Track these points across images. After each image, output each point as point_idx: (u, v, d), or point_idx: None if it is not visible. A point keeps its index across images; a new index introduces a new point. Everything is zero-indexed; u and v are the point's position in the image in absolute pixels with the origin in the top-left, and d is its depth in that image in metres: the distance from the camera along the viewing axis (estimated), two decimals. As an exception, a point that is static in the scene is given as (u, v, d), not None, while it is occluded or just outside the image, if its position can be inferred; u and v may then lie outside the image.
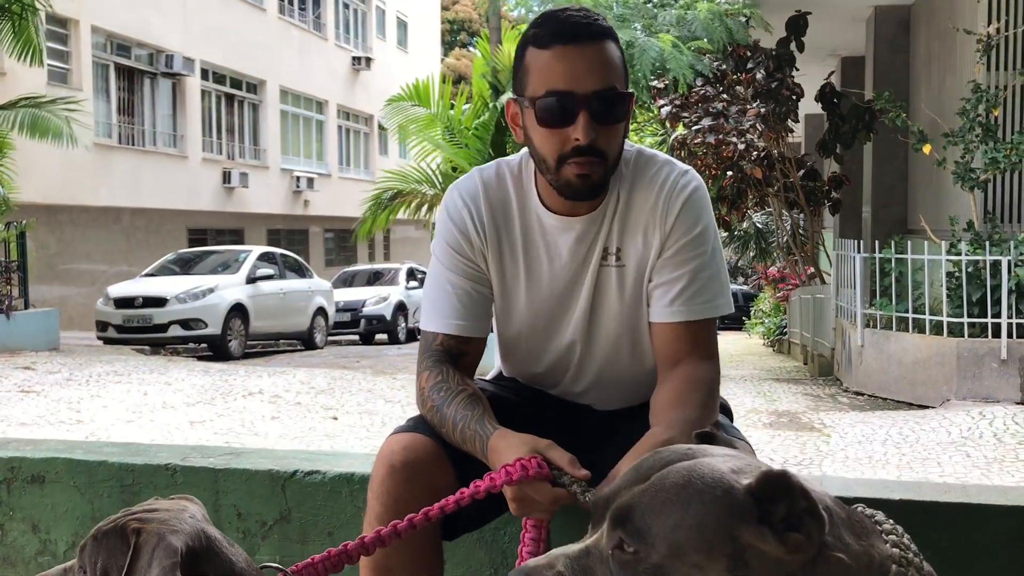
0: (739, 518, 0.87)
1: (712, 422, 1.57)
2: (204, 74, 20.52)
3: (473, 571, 2.02)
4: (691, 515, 0.87)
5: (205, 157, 20.45)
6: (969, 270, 6.99)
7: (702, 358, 1.61)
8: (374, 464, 1.62)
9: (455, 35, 41.98)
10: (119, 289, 13.18)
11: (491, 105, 10.36)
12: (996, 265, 6.85)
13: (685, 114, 11.18)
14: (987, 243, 7.00)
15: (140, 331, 12.60)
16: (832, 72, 11.42)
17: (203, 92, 20.61)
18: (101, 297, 13.33)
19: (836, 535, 0.91)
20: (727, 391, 7.84)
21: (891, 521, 1.04)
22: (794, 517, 0.88)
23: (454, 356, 1.66)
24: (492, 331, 1.76)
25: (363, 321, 16.68)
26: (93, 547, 1.25)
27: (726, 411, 1.82)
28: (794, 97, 10.74)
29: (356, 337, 17.02)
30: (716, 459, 0.93)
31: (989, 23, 7.96)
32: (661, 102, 11.44)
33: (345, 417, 6.71)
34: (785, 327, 14.46)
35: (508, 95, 1.70)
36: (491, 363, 1.91)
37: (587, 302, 1.67)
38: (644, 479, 0.93)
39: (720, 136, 10.82)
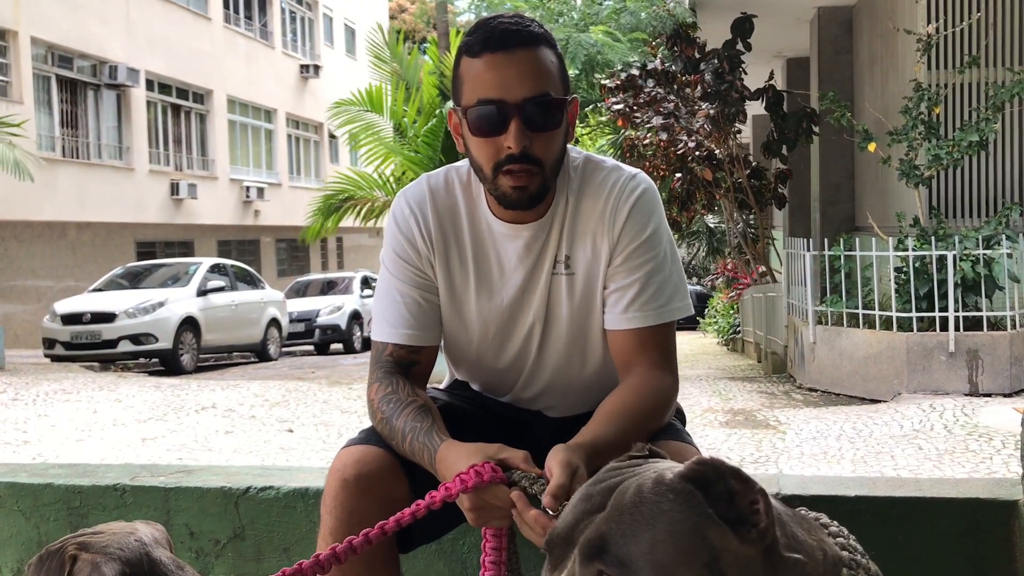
0: (701, 516, 0.86)
1: (660, 427, 1.56)
2: (149, 84, 20.20)
3: (432, 583, 2.00)
4: (660, 529, 0.85)
5: (152, 169, 20.13)
6: (916, 265, 7.10)
7: (656, 365, 1.59)
8: (327, 478, 1.59)
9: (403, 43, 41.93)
10: (66, 305, 12.92)
11: (438, 111, 10.34)
12: (942, 260, 6.97)
13: (637, 114, 11.24)
14: (933, 238, 7.11)
15: (89, 347, 12.35)
16: (773, 74, 11.56)
17: (148, 103, 20.30)
18: (48, 314, 13.06)
19: (788, 533, 0.90)
20: (683, 391, 7.93)
21: (836, 523, 1.04)
22: (741, 503, 0.87)
23: (405, 366, 1.64)
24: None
25: (318, 331, 16.55)
26: (37, 568, 1.25)
27: (679, 414, 1.82)
28: (741, 99, 10.84)
29: (311, 347, 16.88)
30: (654, 469, 0.92)
31: (928, 23, 8.11)
32: (612, 100, 11.48)
33: (301, 429, 6.63)
34: (738, 326, 14.60)
35: (450, 104, 1.70)
36: (444, 370, 1.89)
37: (539, 311, 1.66)
38: (599, 507, 0.90)
39: (670, 136, 10.90)
